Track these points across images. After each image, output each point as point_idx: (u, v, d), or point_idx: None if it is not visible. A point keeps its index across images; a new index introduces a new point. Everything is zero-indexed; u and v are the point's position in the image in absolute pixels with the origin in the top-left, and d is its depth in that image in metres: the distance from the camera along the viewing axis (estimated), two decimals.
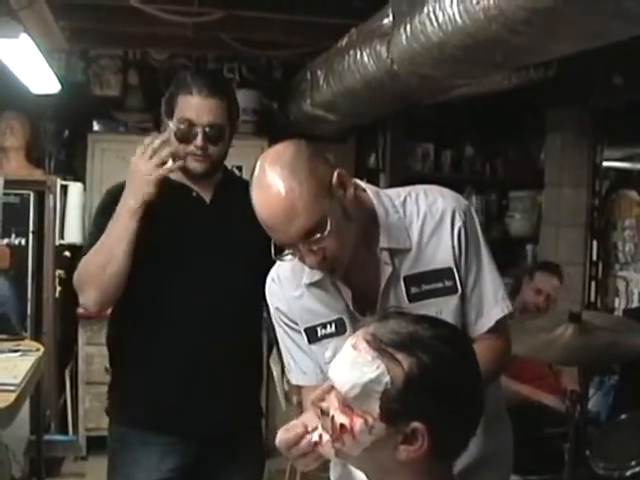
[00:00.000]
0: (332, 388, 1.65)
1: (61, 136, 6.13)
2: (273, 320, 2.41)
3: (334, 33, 4.56)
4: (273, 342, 5.69)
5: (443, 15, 2.98)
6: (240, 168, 6.17)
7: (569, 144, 6.10)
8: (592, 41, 2.76)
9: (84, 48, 6.09)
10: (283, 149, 2.11)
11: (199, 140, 2.77)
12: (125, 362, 2.93)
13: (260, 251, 2.83)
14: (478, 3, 2.70)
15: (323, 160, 2.11)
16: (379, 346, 1.59)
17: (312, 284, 2.27)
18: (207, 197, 2.90)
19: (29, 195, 5.56)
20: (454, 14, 2.90)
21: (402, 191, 2.32)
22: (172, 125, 2.80)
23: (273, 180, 2.03)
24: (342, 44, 4.41)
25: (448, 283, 2.23)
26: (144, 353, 2.85)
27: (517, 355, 3.04)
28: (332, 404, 1.64)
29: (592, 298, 6.18)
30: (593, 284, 6.19)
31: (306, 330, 2.30)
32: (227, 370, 2.85)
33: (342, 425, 1.60)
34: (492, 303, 2.29)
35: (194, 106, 2.77)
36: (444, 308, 2.23)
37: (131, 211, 2.70)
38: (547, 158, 6.45)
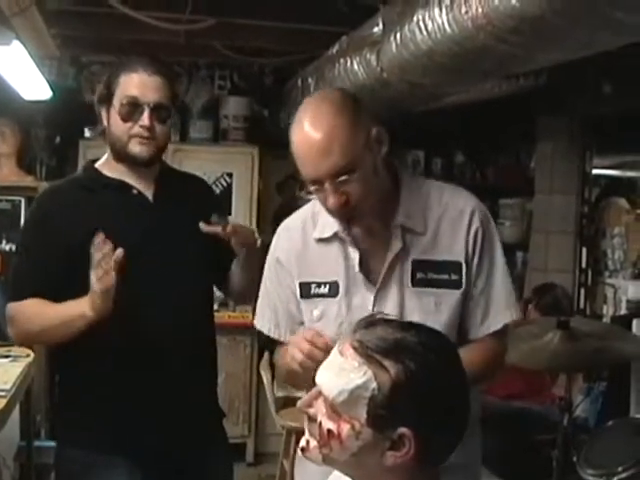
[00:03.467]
0: (319, 394, 1.66)
1: (52, 142, 6.13)
2: (266, 268, 2.45)
3: (325, 41, 4.57)
4: (265, 348, 5.74)
5: (432, 24, 3.00)
6: (231, 175, 6.22)
7: (559, 152, 6.12)
8: (581, 50, 2.77)
9: (75, 55, 6.09)
10: (332, 92, 2.28)
11: (145, 118, 2.65)
12: (76, 380, 2.77)
13: (208, 248, 2.78)
14: (467, 12, 2.72)
15: (366, 113, 2.20)
16: (366, 352, 1.60)
17: (321, 240, 2.33)
18: (149, 193, 2.77)
19: (20, 201, 5.56)
20: (443, 23, 2.92)
21: (429, 180, 2.42)
22: (114, 105, 2.68)
23: (318, 115, 2.13)
24: (333, 52, 4.43)
25: (454, 277, 2.28)
26: (95, 370, 2.70)
27: (508, 361, 3.05)
28: (319, 410, 1.65)
29: (581, 305, 6.21)
30: (582, 291, 6.21)
31: (301, 284, 2.35)
32: (186, 376, 2.74)
33: (329, 431, 1.61)
34: (502, 307, 2.33)
35: (139, 83, 2.67)
36: (444, 300, 2.27)
37: (87, 320, 2.54)
38: (537, 165, 6.47)
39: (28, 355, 4.08)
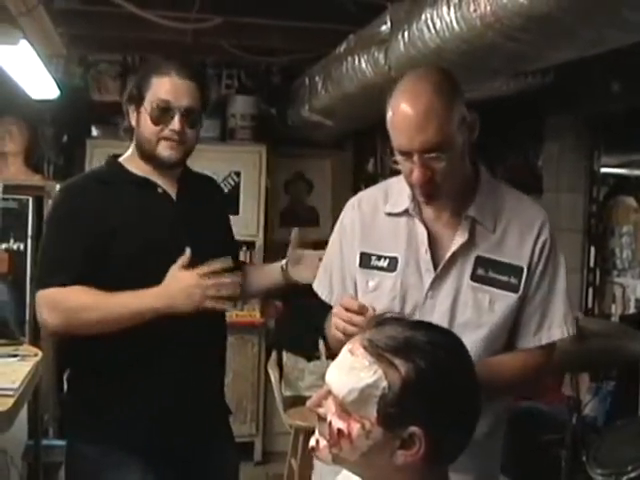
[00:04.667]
0: (329, 393, 1.65)
1: (60, 141, 6.14)
2: (334, 234, 2.52)
3: (332, 39, 4.57)
4: (272, 347, 5.74)
5: (440, 22, 3.00)
6: (238, 174, 6.21)
7: (567, 150, 6.10)
8: (589, 48, 2.77)
9: (83, 54, 6.10)
10: (435, 70, 2.34)
11: (176, 122, 2.68)
12: (87, 376, 2.76)
13: (226, 247, 2.87)
14: (475, 10, 2.72)
15: (462, 96, 2.27)
16: (376, 351, 1.60)
17: (391, 214, 2.39)
18: (172, 192, 2.81)
19: (28, 200, 5.55)
20: (451, 21, 2.91)
21: (506, 185, 2.50)
22: (145, 107, 2.70)
23: (420, 89, 2.19)
24: (340, 50, 4.42)
25: (513, 280, 2.30)
26: (107, 365, 2.70)
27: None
28: (329, 409, 1.64)
29: (589, 304, 6.19)
30: (590, 290, 6.19)
31: (362, 254, 2.40)
32: (197, 373, 2.76)
33: (339, 430, 1.61)
34: (559, 321, 2.34)
35: (172, 87, 2.68)
36: (498, 301, 2.30)
37: (156, 313, 2.60)
38: (545, 164, 6.45)
39: (36, 354, 4.07)
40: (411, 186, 2.28)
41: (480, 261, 2.30)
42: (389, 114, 2.23)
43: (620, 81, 5.06)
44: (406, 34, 3.34)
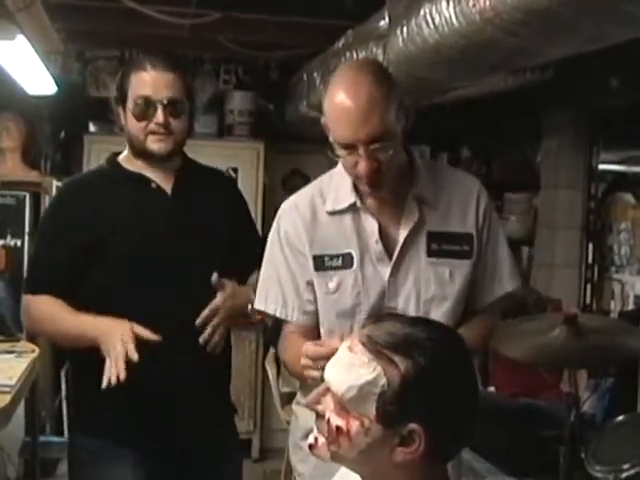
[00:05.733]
0: (327, 390, 1.64)
1: (57, 137, 6.14)
2: (270, 247, 2.50)
3: (330, 35, 4.56)
4: (269, 344, 5.74)
5: (439, 17, 2.98)
6: (236, 170, 6.20)
7: (565, 146, 6.09)
8: (589, 44, 2.76)
9: (80, 49, 6.10)
10: (371, 61, 2.52)
11: (159, 115, 2.68)
12: (88, 370, 2.72)
13: (226, 242, 2.86)
14: (474, 5, 2.70)
15: (397, 84, 2.32)
16: (375, 348, 1.59)
17: (334, 212, 2.40)
18: (167, 187, 2.80)
19: (25, 196, 5.55)
20: (450, 16, 2.90)
21: (436, 162, 2.65)
22: (129, 105, 2.71)
23: (361, 80, 2.22)
24: (338, 46, 4.41)
25: (465, 247, 2.42)
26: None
27: (514, 358, 3.05)
28: (328, 406, 1.63)
29: (587, 301, 6.18)
30: (589, 287, 6.19)
31: (315, 257, 2.40)
32: (202, 372, 2.76)
33: (338, 427, 1.60)
34: (507, 275, 2.51)
35: (150, 81, 2.69)
36: (456, 270, 2.41)
37: (90, 342, 2.61)
38: (543, 160, 6.44)
39: (33, 350, 4.07)
40: (356, 178, 2.31)
41: (432, 236, 2.39)
42: (327, 107, 2.26)
43: (619, 77, 5.06)
44: (405, 29, 3.33)
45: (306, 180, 6.92)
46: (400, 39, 3.39)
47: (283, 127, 6.34)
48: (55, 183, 5.68)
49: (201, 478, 2.84)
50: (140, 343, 2.61)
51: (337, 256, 2.37)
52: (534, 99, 5.80)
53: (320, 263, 2.39)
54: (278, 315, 2.47)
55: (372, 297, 2.37)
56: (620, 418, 3.89)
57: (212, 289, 2.78)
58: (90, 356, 2.71)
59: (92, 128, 6.11)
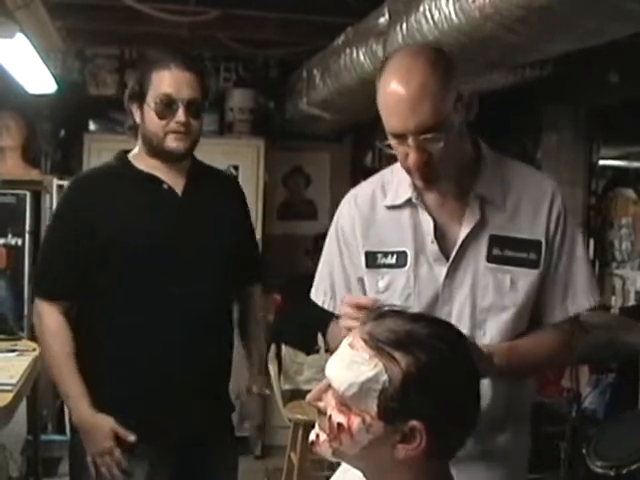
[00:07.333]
0: (329, 387, 1.64)
1: (57, 136, 6.13)
2: (328, 237, 2.39)
3: (330, 32, 4.56)
4: (271, 341, 5.74)
5: (439, 14, 2.99)
6: (236, 167, 6.20)
7: (565, 142, 6.10)
8: (589, 40, 2.76)
9: (80, 48, 6.10)
10: (427, 48, 2.23)
11: (181, 114, 2.68)
12: (100, 369, 2.75)
13: (235, 244, 2.87)
14: (474, 2, 2.71)
15: (458, 74, 2.15)
16: (376, 345, 1.58)
17: (392, 207, 2.26)
18: (178, 188, 2.80)
19: (25, 195, 5.56)
20: (450, 13, 2.90)
21: (510, 158, 2.35)
22: (149, 103, 2.71)
23: (414, 67, 2.06)
24: (338, 43, 4.41)
25: (532, 256, 2.20)
26: (113, 358, 2.73)
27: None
28: (329, 403, 1.63)
29: None
30: None
31: (367, 253, 2.27)
32: (203, 372, 2.77)
33: (339, 424, 1.60)
34: (583, 291, 2.25)
35: (173, 80, 2.69)
36: (520, 279, 2.19)
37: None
38: (543, 156, 6.44)
39: (35, 349, 4.07)
40: (408, 171, 2.16)
41: (494, 240, 2.19)
42: (380, 94, 2.12)
43: (619, 73, 5.05)
44: (404, 26, 3.33)
45: (306, 177, 7.00)
46: (400, 36, 3.39)
47: (283, 125, 6.34)
48: (55, 181, 5.69)
49: (200, 477, 2.84)
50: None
51: (391, 253, 2.24)
52: (534, 95, 5.79)
53: (372, 260, 2.26)
54: (326, 307, 2.36)
55: (424, 300, 2.21)
56: (622, 414, 3.91)
57: (216, 292, 2.81)
58: (90, 357, 2.74)
59: (92, 126, 6.10)
